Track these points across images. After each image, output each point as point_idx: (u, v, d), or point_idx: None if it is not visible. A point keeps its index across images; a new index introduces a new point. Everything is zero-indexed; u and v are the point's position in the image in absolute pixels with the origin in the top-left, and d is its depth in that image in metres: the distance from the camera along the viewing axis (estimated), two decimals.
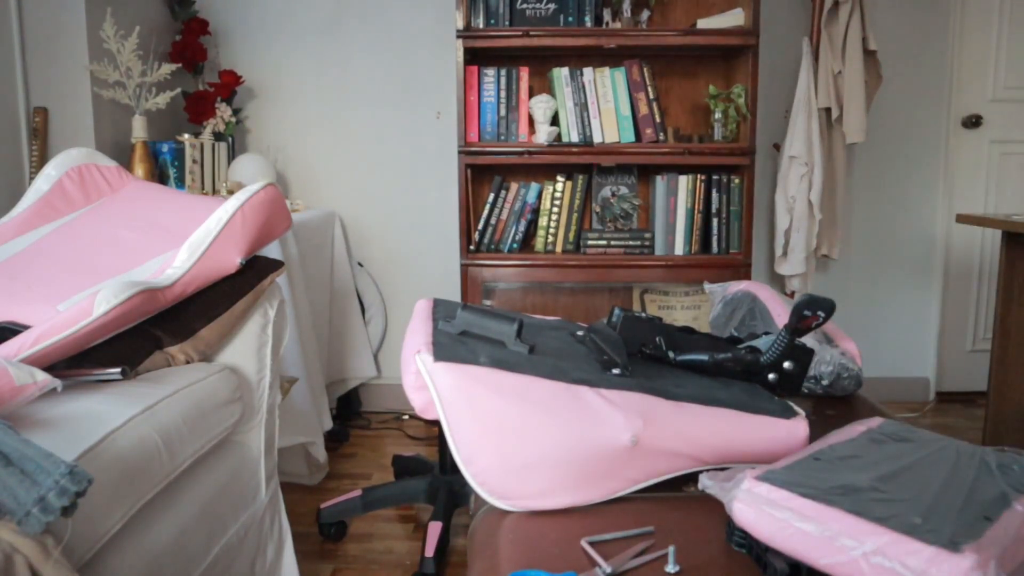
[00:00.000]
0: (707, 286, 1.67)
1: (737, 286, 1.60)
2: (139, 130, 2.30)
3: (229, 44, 2.83)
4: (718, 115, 2.52)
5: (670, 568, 0.80)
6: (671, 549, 0.81)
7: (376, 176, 2.89)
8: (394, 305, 2.95)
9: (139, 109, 2.31)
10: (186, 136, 2.43)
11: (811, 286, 2.67)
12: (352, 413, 2.85)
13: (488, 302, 2.65)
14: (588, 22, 2.45)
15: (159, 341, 1.33)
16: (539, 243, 2.59)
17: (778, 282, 2.77)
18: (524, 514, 0.94)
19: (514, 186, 2.59)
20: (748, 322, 1.47)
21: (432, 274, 2.91)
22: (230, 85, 2.68)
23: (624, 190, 2.62)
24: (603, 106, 2.49)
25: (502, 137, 2.52)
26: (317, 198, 2.89)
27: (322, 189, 2.90)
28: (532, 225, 2.61)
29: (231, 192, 2.44)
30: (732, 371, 1.15)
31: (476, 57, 2.51)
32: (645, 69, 2.50)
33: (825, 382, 1.36)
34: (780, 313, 1.43)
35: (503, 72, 2.49)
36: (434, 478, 1.95)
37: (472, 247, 2.52)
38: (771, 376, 1.15)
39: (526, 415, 0.94)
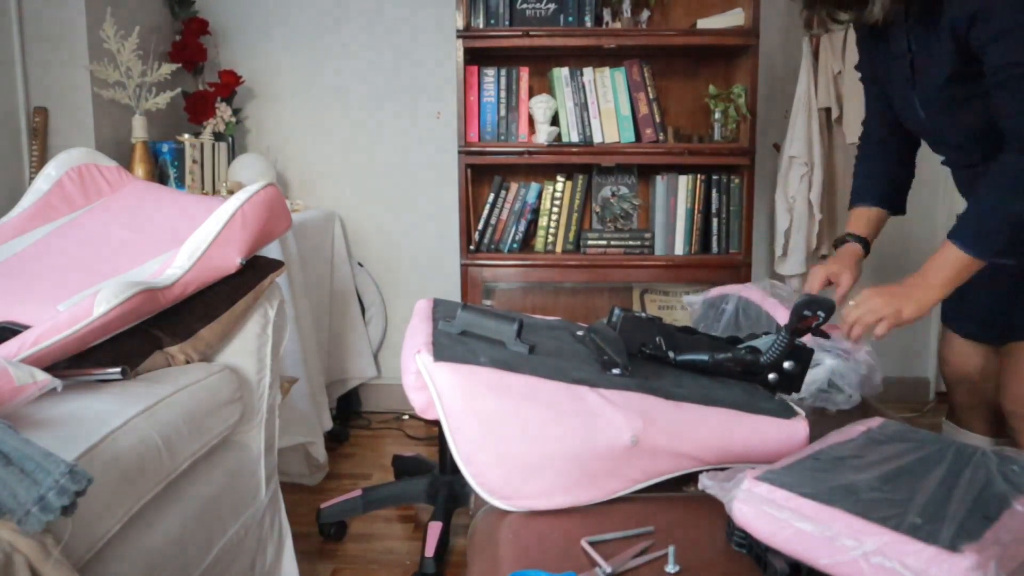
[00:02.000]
0: (685, 299, 1.67)
1: (720, 290, 1.60)
2: (139, 130, 2.30)
3: (229, 44, 2.83)
4: (718, 115, 2.52)
5: (670, 568, 0.80)
6: (671, 549, 0.81)
7: (376, 176, 2.88)
8: (394, 305, 2.95)
9: (139, 109, 2.31)
10: (186, 136, 2.43)
11: None
12: (352, 413, 2.85)
13: (488, 302, 2.65)
14: (588, 22, 2.45)
15: (159, 341, 1.33)
16: (539, 243, 2.59)
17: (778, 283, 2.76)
18: (524, 514, 0.94)
19: (514, 186, 2.58)
20: (735, 324, 1.47)
21: (432, 274, 2.91)
22: (230, 85, 2.68)
23: (624, 190, 2.62)
24: (603, 106, 2.49)
25: (502, 137, 2.52)
26: (317, 198, 2.89)
27: (322, 189, 2.90)
28: (532, 225, 2.60)
29: (231, 192, 2.44)
30: (732, 371, 1.15)
31: (476, 57, 2.51)
32: (645, 69, 2.50)
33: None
34: (773, 308, 1.43)
35: (503, 72, 2.49)
36: (434, 478, 1.95)
37: (472, 247, 2.52)
38: (771, 376, 1.15)
39: (526, 415, 0.94)
